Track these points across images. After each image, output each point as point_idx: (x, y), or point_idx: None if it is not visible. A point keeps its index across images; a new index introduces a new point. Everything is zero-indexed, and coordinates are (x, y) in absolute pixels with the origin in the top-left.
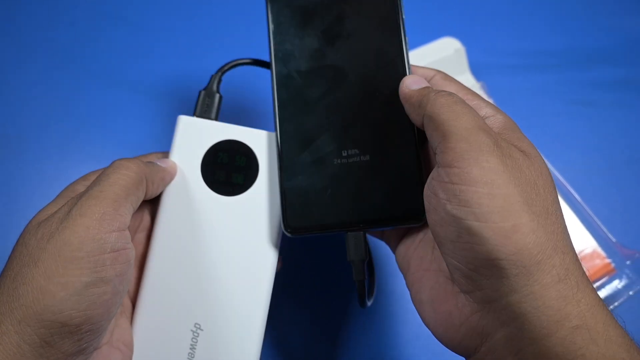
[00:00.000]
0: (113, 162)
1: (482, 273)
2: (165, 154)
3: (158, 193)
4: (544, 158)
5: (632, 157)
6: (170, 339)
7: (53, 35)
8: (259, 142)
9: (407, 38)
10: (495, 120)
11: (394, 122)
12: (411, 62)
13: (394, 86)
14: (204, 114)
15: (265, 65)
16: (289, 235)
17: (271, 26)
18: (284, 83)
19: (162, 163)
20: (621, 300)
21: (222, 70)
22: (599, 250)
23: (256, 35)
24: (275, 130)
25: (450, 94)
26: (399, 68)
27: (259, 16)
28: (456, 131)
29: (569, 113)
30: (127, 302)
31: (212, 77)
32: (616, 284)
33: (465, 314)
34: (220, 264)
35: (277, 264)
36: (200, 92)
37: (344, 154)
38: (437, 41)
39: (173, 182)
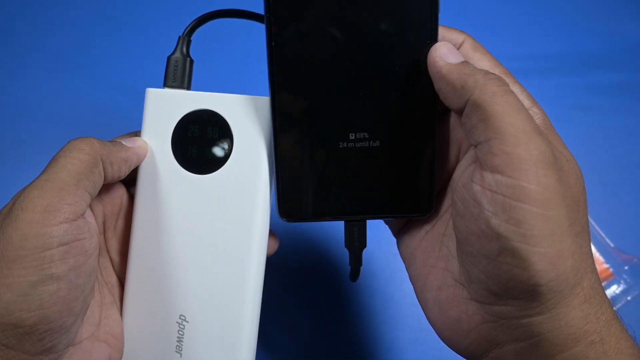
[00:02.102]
0: (67, 143)
1: (512, 294)
2: (138, 133)
3: (124, 175)
4: None
5: (630, 162)
6: (157, 332)
7: (52, 39)
8: (231, 108)
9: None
10: (534, 115)
11: (413, 102)
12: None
13: (418, 56)
14: (174, 83)
15: (246, 16)
16: (284, 221)
17: None
18: (282, 44)
19: (127, 142)
20: (619, 305)
21: (191, 29)
22: (597, 255)
23: (256, 37)
24: (271, 102)
25: (501, 79)
26: (427, 31)
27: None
28: (513, 132)
29: (567, 117)
30: (118, 292)
31: (179, 39)
32: (614, 289)
33: (475, 321)
34: (201, 251)
35: (270, 245)
36: (168, 58)
37: (352, 137)
38: None
39: (146, 164)
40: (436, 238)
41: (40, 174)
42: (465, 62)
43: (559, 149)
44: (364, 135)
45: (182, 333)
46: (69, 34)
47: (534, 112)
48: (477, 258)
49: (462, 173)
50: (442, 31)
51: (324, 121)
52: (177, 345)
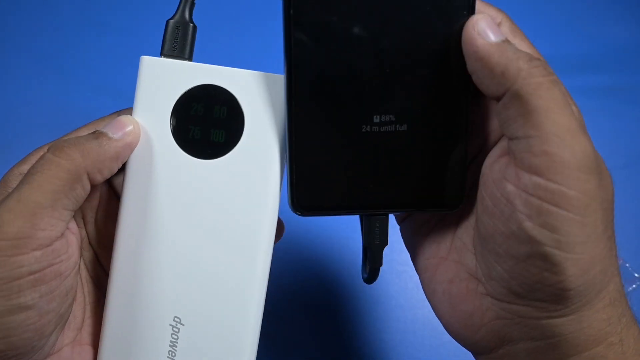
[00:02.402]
0: (44, 154)
1: (537, 296)
2: (128, 110)
3: (114, 173)
4: None
5: (616, 164)
6: (145, 336)
7: (39, 41)
8: (244, 85)
9: None
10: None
11: (445, 82)
12: None
13: (452, 30)
14: (174, 52)
15: None
16: (297, 214)
17: None
18: (301, 13)
19: (113, 132)
20: None
21: None
22: None
23: (248, 44)
24: (287, 79)
25: (547, 67)
26: (462, 5)
27: (247, 23)
28: (557, 131)
29: None
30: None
31: (180, 1)
32: None
33: (488, 317)
34: (201, 246)
35: (276, 233)
36: (167, 22)
37: (376, 119)
38: None
39: (138, 146)
40: (448, 229)
41: (13, 190)
42: (507, 42)
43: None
44: (389, 118)
45: (175, 337)
46: (55, 36)
47: (572, 109)
48: (503, 258)
49: (492, 166)
50: (478, 5)
51: (345, 101)
52: (169, 351)
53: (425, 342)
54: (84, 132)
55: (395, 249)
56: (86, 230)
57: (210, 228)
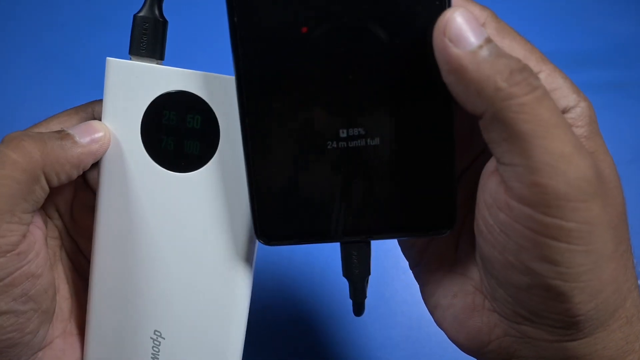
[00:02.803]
0: (2, 143)
1: (545, 321)
2: (98, 103)
3: (76, 176)
4: None
5: (621, 160)
6: (127, 349)
7: (42, 38)
8: (219, 92)
9: None
10: (582, 113)
11: (421, 86)
12: None
13: (424, 23)
14: (143, 51)
15: None
16: (262, 243)
17: None
18: (246, 14)
19: (81, 136)
20: None
21: None
22: None
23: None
24: (237, 90)
25: (530, 79)
26: None
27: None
28: (548, 159)
29: None
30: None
31: None
32: None
33: (496, 334)
34: (179, 259)
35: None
36: (134, 16)
37: (343, 134)
38: None
39: (110, 155)
40: (450, 241)
41: None
42: (486, 46)
43: (601, 156)
44: (358, 132)
45: (157, 350)
46: (57, 33)
47: (581, 108)
48: (504, 285)
49: (485, 184)
50: (458, 3)
51: (304, 115)
52: None
53: (432, 338)
54: (53, 124)
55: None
56: (63, 222)
57: (187, 243)
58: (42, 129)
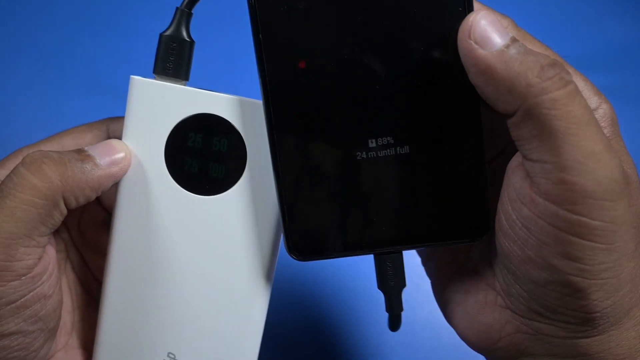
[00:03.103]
0: (15, 171)
1: (561, 318)
2: (119, 120)
3: (94, 198)
4: None
5: None
6: None
7: (38, 40)
8: (247, 116)
9: None
10: (604, 114)
11: (447, 92)
12: None
13: (449, 30)
14: (169, 72)
15: None
16: (294, 259)
17: None
18: (271, 25)
19: (101, 158)
20: None
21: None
22: None
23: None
24: (265, 105)
25: (562, 75)
26: (458, 1)
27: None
28: (578, 157)
29: None
30: (95, 288)
31: (177, 12)
32: None
33: (507, 331)
34: (197, 285)
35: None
36: (161, 36)
37: (372, 144)
38: None
39: (130, 175)
40: None
41: None
42: (513, 45)
43: (623, 157)
44: (387, 141)
45: None
46: (53, 35)
47: (603, 110)
48: (521, 279)
49: (509, 180)
50: (480, 9)
51: (332, 127)
52: None
53: (425, 343)
54: (67, 141)
55: None
56: (70, 235)
57: (205, 266)
58: (55, 144)
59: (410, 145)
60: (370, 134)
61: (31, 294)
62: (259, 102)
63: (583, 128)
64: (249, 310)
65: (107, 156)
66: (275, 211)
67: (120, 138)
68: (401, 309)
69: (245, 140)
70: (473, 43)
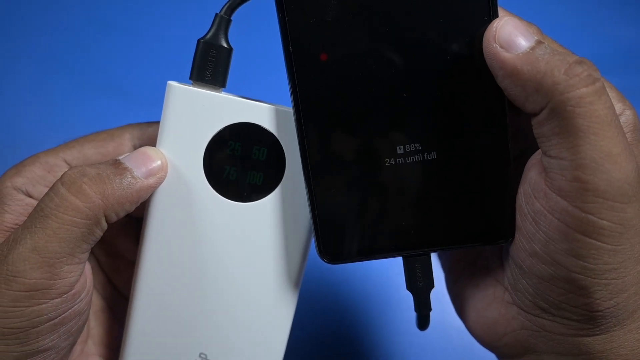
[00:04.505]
0: (56, 189)
1: (564, 314)
2: (153, 125)
3: (132, 210)
4: None
5: None
6: None
7: (47, 42)
8: (287, 126)
9: None
10: (627, 120)
11: (474, 98)
12: None
13: (474, 39)
14: (206, 79)
15: None
16: (326, 262)
17: None
18: (301, 37)
19: (138, 169)
20: None
21: (234, 5)
22: None
23: (254, 40)
24: (295, 115)
25: (590, 73)
26: (482, 4)
27: (257, 20)
28: (595, 156)
29: None
30: (110, 293)
31: (216, 18)
32: None
33: (513, 326)
34: (230, 288)
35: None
36: (199, 41)
37: (400, 150)
38: None
39: (165, 182)
40: None
41: (24, 233)
42: (538, 47)
43: None
44: (415, 147)
45: None
46: (62, 36)
47: (626, 116)
48: (527, 274)
49: (527, 174)
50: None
51: (361, 135)
52: None
53: (435, 345)
54: (88, 149)
55: None
56: None
57: (239, 270)
58: (75, 152)
59: (438, 151)
60: (399, 140)
61: (69, 311)
62: None
63: (604, 128)
64: (277, 315)
65: (144, 166)
66: (308, 219)
67: (148, 144)
68: (430, 308)
69: (284, 148)
70: (498, 47)
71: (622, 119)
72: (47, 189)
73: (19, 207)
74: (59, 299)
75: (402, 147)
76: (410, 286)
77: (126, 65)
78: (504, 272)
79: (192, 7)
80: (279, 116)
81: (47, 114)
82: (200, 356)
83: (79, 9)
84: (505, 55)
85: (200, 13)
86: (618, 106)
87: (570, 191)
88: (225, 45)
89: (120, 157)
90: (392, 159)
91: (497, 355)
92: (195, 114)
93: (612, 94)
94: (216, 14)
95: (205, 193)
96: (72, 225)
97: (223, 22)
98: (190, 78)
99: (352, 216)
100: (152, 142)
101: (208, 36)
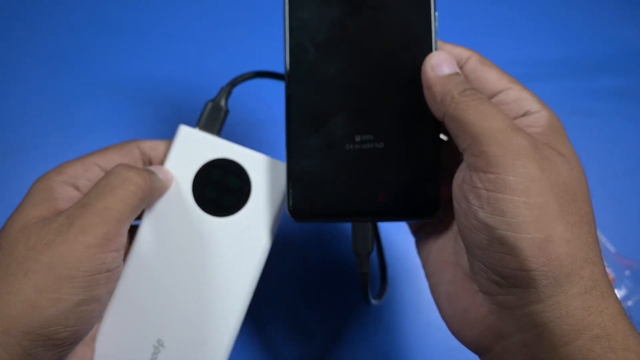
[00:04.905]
0: (117, 171)
1: (511, 282)
2: (145, 142)
3: (149, 206)
4: None
5: (631, 167)
6: (131, 352)
7: (52, 42)
8: (256, 165)
9: (437, 13)
10: (540, 117)
11: (413, 106)
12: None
13: (417, 65)
14: (207, 127)
15: (281, 77)
16: (293, 220)
17: None
18: (297, 56)
19: (160, 173)
20: None
21: (234, 83)
22: None
23: (259, 42)
24: (286, 106)
25: (476, 94)
26: (425, 44)
27: (261, 22)
28: (487, 133)
29: (568, 123)
30: None
31: (221, 90)
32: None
33: (481, 313)
34: (194, 284)
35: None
36: (207, 103)
37: (357, 139)
38: None
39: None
40: (451, 235)
41: (95, 197)
42: (452, 76)
43: (556, 147)
44: (369, 137)
45: (155, 356)
46: (68, 37)
47: (542, 115)
48: (473, 250)
49: (458, 176)
50: (449, 47)
51: (331, 124)
52: None
53: (439, 346)
54: (115, 154)
55: (409, 254)
56: None
57: (204, 270)
58: (103, 156)
59: (385, 142)
60: (358, 131)
61: (116, 269)
62: (267, 158)
63: (490, 116)
64: (231, 312)
65: (162, 174)
66: (263, 238)
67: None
68: (367, 269)
69: (251, 182)
70: (429, 68)
71: (535, 115)
72: (90, 183)
73: (68, 194)
74: (116, 252)
75: (359, 136)
76: (354, 247)
77: (131, 66)
78: (468, 264)
79: (197, 8)
80: (251, 157)
81: (52, 115)
82: (157, 341)
83: (84, 10)
84: (430, 74)
85: (205, 14)
86: (535, 106)
87: (481, 163)
88: (224, 108)
89: (148, 167)
90: (352, 145)
91: (477, 351)
92: (193, 147)
93: (532, 97)
94: (222, 88)
95: (189, 206)
96: (133, 195)
97: (226, 92)
98: (197, 125)
99: (317, 187)
100: (157, 155)
101: (214, 100)
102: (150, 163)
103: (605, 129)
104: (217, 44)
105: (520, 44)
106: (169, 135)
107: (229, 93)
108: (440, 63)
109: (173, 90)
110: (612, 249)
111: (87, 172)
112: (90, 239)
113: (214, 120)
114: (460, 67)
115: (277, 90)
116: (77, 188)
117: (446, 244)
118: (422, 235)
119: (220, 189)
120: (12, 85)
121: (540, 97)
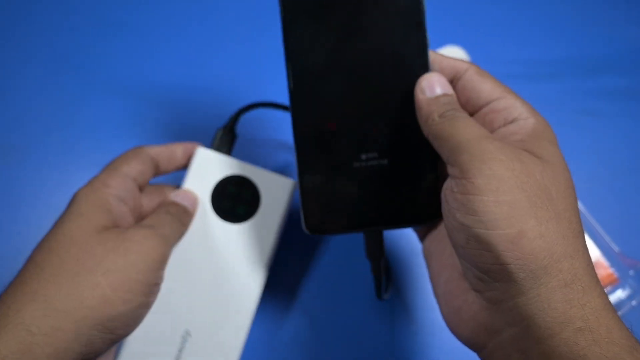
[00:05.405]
0: (175, 212)
1: (492, 276)
2: (152, 147)
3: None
4: None
5: (635, 167)
6: (162, 342)
7: (54, 42)
8: (264, 180)
9: (428, 35)
10: (525, 124)
11: (412, 124)
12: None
13: (411, 86)
14: (220, 148)
15: (285, 108)
16: (307, 233)
17: (286, 17)
18: (301, 81)
19: (187, 202)
20: (624, 310)
21: (241, 112)
22: (602, 259)
23: (261, 42)
24: (293, 129)
25: (455, 112)
26: (418, 66)
27: (263, 23)
28: (459, 144)
29: (572, 122)
30: None
31: (231, 118)
32: (619, 294)
33: (474, 310)
34: (214, 279)
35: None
36: (218, 130)
37: (364, 157)
38: (441, 49)
39: None
40: (448, 240)
41: (159, 224)
42: (440, 97)
43: (534, 150)
44: (374, 155)
45: (183, 345)
46: (70, 36)
47: (528, 122)
48: (457, 249)
49: (444, 185)
50: (447, 62)
51: (339, 145)
52: (177, 355)
53: (444, 346)
54: (126, 168)
55: (414, 254)
56: None
57: (223, 267)
58: (128, 168)
59: (389, 159)
60: (364, 150)
61: (160, 284)
62: (275, 174)
63: (464, 129)
64: (244, 305)
65: (188, 201)
66: (269, 238)
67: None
68: (380, 274)
69: (261, 196)
70: (420, 90)
71: (521, 123)
72: (129, 194)
73: (119, 208)
74: (164, 271)
75: (365, 154)
76: (366, 255)
77: (132, 66)
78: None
79: (200, 7)
80: (260, 174)
81: (53, 114)
82: (185, 332)
83: (85, 10)
84: (420, 95)
85: (206, 14)
86: (524, 114)
87: (456, 170)
88: (233, 132)
89: (175, 197)
90: (358, 162)
91: (473, 349)
92: (210, 166)
93: (522, 106)
94: (231, 115)
95: (209, 215)
96: (184, 227)
97: (235, 119)
98: (211, 146)
99: (328, 202)
100: (162, 160)
101: (224, 127)
102: (158, 167)
103: (608, 129)
104: (218, 44)
105: (522, 44)
106: (169, 136)
107: (236, 119)
108: (432, 84)
109: (174, 90)
110: (616, 248)
111: (126, 185)
112: (155, 256)
113: (225, 143)
114: (459, 78)
115: (277, 114)
116: (124, 201)
117: (445, 248)
118: (426, 242)
119: (235, 200)
120: (13, 85)
121: (542, 97)
